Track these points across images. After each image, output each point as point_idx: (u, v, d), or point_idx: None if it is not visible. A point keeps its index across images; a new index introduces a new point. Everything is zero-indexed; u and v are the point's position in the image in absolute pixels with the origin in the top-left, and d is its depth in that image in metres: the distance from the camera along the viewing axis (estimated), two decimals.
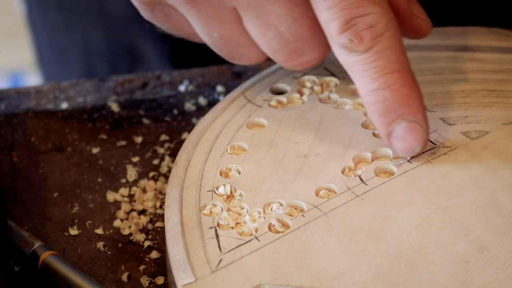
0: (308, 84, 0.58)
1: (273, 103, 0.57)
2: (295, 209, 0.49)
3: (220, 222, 0.48)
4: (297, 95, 0.57)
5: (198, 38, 0.55)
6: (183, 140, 0.60)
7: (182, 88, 0.66)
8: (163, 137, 0.62)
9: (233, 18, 0.52)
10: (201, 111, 0.64)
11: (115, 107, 0.64)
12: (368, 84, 0.49)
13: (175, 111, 0.64)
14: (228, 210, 0.49)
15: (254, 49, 0.54)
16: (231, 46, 0.54)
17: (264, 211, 0.48)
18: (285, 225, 0.48)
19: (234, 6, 0.51)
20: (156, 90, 0.66)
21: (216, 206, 0.49)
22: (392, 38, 0.49)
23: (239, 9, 0.52)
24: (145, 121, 0.63)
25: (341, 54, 0.49)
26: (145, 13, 0.56)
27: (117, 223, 0.55)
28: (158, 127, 0.62)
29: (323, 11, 0.49)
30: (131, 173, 0.58)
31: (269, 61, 0.68)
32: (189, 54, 0.84)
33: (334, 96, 0.57)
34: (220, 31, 0.53)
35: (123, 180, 0.58)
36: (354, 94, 0.57)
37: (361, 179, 0.50)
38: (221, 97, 0.65)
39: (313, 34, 0.51)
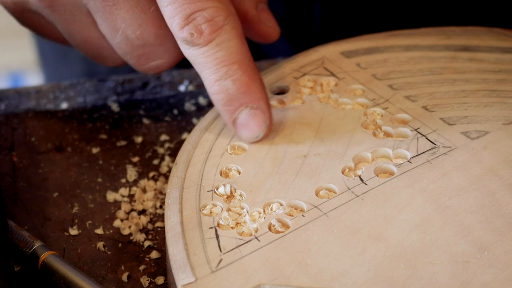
0: (308, 84, 0.58)
1: (273, 103, 0.57)
2: (295, 209, 0.49)
3: (220, 222, 0.48)
4: (297, 95, 0.57)
5: (70, 43, 0.59)
6: (183, 140, 0.60)
7: (182, 88, 0.66)
8: (163, 137, 0.62)
9: (90, 22, 0.56)
10: (201, 111, 0.64)
11: (115, 107, 0.64)
12: (211, 76, 0.51)
13: (175, 111, 0.64)
14: (228, 210, 0.49)
15: (114, 52, 0.57)
16: (93, 48, 0.58)
17: (264, 211, 0.48)
18: (285, 225, 0.48)
19: (88, 10, 0.55)
20: (156, 90, 0.66)
21: (216, 206, 0.49)
22: (232, 31, 0.51)
23: (92, 13, 0.55)
24: (145, 121, 0.63)
25: (185, 49, 0.51)
26: (18, 20, 0.59)
27: (117, 223, 0.55)
28: (158, 127, 0.62)
29: (165, 8, 0.51)
30: (131, 173, 0.58)
31: (269, 61, 0.68)
32: None
33: (334, 96, 0.57)
34: (81, 34, 0.57)
35: (123, 180, 0.58)
36: (354, 94, 0.57)
37: (361, 179, 0.50)
38: None
39: (159, 39, 0.55)
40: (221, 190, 0.50)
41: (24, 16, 0.58)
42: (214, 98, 0.52)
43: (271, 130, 0.54)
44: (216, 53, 0.51)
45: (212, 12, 0.50)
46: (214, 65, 0.51)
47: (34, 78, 1.92)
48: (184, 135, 0.62)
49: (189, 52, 0.51)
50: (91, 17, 0.55)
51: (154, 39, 0.55)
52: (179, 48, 0.53)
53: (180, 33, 0.50)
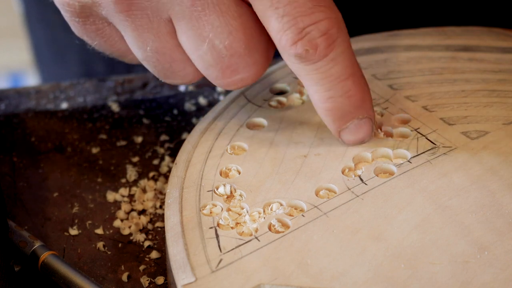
0: None
1: (273, 103, 0.57)
2: (295, 209, 0.49)
3: (220, 222, 0.48)
4: (297, 95, 0.57)
5: (131, 55, 0.54)
6: (183, 140, 0.60)
7: (182, 88, 0.66)
8: (163, 137, 0.62)
9: (167, 31, 0.50)
10: (201, 111, 0.64)
11: (115, 107, 0.64)
12: (324, 92, 0.49)
13: (175, 111, 0.64)
14: (228, 210, 0.49)
15: (188, 65, 0.52)
16: (165, 61, 0.52)
17: (264, 211, 0.48)
18: (285, 225, 0.48)
19: (169, 17, 0.50)
20: (156, 90, 0.66)
21: (216, 206, 0.49)
22: (344, 43, 0.48)
23: (174, 20, 0.50)
24: (145, 121, 0.63)
25: (293, 63, 0.48)
26: (75, 28, 0.53)
27: (117, 223, 0.55)
28: (158, 127, 0.62)
29: (273, 21, 0.47)
30: (131, 173, 0.58)
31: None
32: None
33: None
34: (154, 44, 0.51)
35: (123, 180, 0.58)
36: None
37: (361, 179, 0.50)
38: (221, 97, 0.65)
39: (249, 50, 0.50)
40: (221, 190, 0.50)
41: (88, 23, 0.52)
42: (324, 113, 0.50)
43: (271, 130, 0.54)
44: (331, 69, 0.48)
45: (327, 24, 0.47)
46: (329, 81, 0.48)
47: (34, 78, 1.92)
48: (184, 135, 0.62)
49: (298, 67, 0.48)
50: (171, 25, 0.50)
51: (244, 49, 0.49)
52: (267, 60, 0.51)
53: (293, 49, 0.47)
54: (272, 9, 0.47)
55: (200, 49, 0.50)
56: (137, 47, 0.52)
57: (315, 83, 0.49)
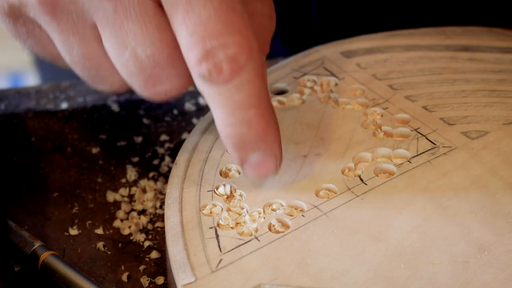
0: (308, 84, 0.58)
1: (273, 103, 0.57)
2: (295, 209, 0.48)
3: (220, 222, 0.48)
4: (297, 95, 0.57)
5: (62, 60, 0.53)
6: (183, 140, 0.60)
7: None
8: (163, 137, 0.62)
9: (93, 37, 0.50)
10: (201, 111, 0.64)
11: (115, 107, 0.64)
12: (225, 118, 0.47)
13: (175, 111, 0.64)
14: (228, 210, 0.49)
15: (114, 72, 0.51)
16: (91, 66, 0.51)
17: (264, 211, 0.48)
18: (285, 225, 0.48)
19: (94, 23, 0.49)
20: None
21: (216, 206, 0.49)
22: (253, 71, 0.46)
23: (98, 25, 0.49)
24: (145, 121, 0.63)
25: (199, 83, 0.47)
26: (7, 28, 0.53)
27: (117, 223, 0.55)
28: (158, 127, 0.62)
29: (183, 37, 0.46)
30: (131, 173, 0.58)
31: (268, 61, 0.68)
32: None
33: (334, 96, 0.57)
34: (80, 49, 0.50)
35: (123, 180, 0.58)
36: (354, 94, 0.57)
37: (361, 179, 0.50)
38: None
39: (172, 61, 0.49)
40: (221, 190, 0.50)
41: (18, 23, 0.52)
42: (225, 140, 0.48)
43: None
44: (233, 95, 0.46)
45: (234, 50, 0.45)
46: (231, 108, 0.47)
47: (34, 78, 1.91)
48: (184, 135, 0.62)
49: (204, 88, 0.47)
50: (96, 30, 0.50)
51: (167, 60, 0.48)
52: (191, 75, 0.49)
53: (197, 68, 0.46)
54: (183, 26, 0.46)
55: (123, 57, 0.49)
56: (64, 51, 0.51)
57: (217, 107, 0.47)
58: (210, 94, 0.47)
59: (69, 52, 0.51)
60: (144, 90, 0.50)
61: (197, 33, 0.46)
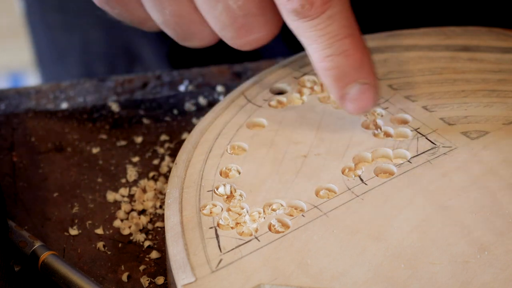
0: (308, 84, 0.58)
1: (273, 103, 0.57)
2: (295, 209, 0.49)
3: (220, 222, 0.48)
4: (297, 95, 0.57)
5: (150, 22, 0.55)
6: (183, 140, 0.60)
7: (182, 88, 0.66)
8: (163, 137, 0.62)
9: None
10: (201, 111, 0.64)
11: (115, 107, 0.64)
12: (322, 51, 0.49)
13: (175, 111, 0.64)
14: (228, 210, 0.49)
15: (205, 27, 0.53)
16: (183, 23, 0.53)
17: (264, 211, 0.48)
18: (285, 225, 0.48)
19: None
20: (156, 90, 0.66)
21: (216, 206, 0.49)
22: (343, 1, 0.48)
23: None
24: (145, 121, 0.63)
25: (292, 21, 0.48)
26: None
27: (117, 223, 0.55)
28: (158, 127, 0.62)
29: None
30: (131, 173, 0.58)
31: (268, 61, 0.68)
32: (186, 54, 0.84)
33: None
34: (171, 7, 0.52)
35: (123, 180, 0.58)
36: None
37: (361, 179, 0.50)
38: (221, 97, 0.65)
39: (262, 9, 0.51)
40: (221, 190, 0.50)
41: None
42: (323, 73, 0.49)
43: (271, 130, 0.54)
44: (328, 27, 0.48)
45: None
46: (327, 39, 0.48)
47: (33, 78, 1.92)
48: (184, 135, 0.62)
49: (296, 24, 0.48)
50: None
51: (257, 8, 0.50)
52: (280, 20, 0.51)
53: (289, 3, 0.47)
54: None
55: (215, 10, 0.51)
56: (156, 11, 0.53)
57: (313, 41, 0.49)
58: (304, 30, 0.48)
59: (160, 11, 0.53)
60: (236, 40, 0.52)
61: None
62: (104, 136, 0.62)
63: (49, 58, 0.99)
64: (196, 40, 0.55)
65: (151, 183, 0.57)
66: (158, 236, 0.54)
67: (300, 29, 0.49)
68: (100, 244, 0.53)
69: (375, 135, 0.53)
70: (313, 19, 0.48)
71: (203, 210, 0.49)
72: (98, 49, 0.90)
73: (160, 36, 0.84)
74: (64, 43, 0.93)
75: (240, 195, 0.50)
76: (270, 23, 0.51)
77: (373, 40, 0.62)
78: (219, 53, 0.69)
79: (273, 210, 0.48)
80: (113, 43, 0.89)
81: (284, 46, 0.79)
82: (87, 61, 0.92)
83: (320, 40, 0.48)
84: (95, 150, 0.60)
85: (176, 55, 0.86)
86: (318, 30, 0.48)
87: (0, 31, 1.98)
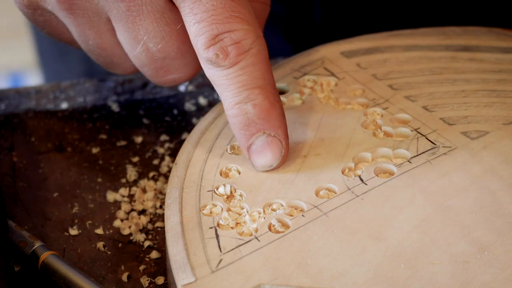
0: (308, 84, 0.58)
1: None
2: (295, 209, 0.48)
3: (220, 222, 0.48)
4: (297, 95, 0.57)
5: (77, 44, 0.57)
6: (183, 140, 0.60)
7: (182, 88, 0.66)
8: (163, 137, 0.62)
9: (107, 29, 0.54)
10: (201, 111, 0.64)
11: (115, 107, 0.64)
12: (232, 98, 0.50)
13: (175, 111, 0.64)
14: (228, 210, 0.49)
15: (127, 60, 0.56)
16: (106, 55, 0.56)
17: (264, 211, 0.48)
18: (285, 225, 0.48)
19: (109, 17, 0.53)
20: (156, 90, 0.66)
21: (216, 206, 0.49)
22: (258, 55, 0.50)
23: (112, 20, 0.53)
24: (145, 121, 0.63)
25: (207, 69, 0.50)
26: (26, 16, 0.57)
27: (117, 223, 0.55)
28: (158, 127, 0.62)
29: (191, 25, 0.50)
30: (131, 173, 0.58)
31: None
32: None
33: (334, 96, 0.57)
34: (95, 40, 0.55)
35: (123, 180, 0.58)
36: (354, 94, 0.57)
37: (361, 179, 0.50)
38: None
39: (181, 53, 0.53)
40: (221, 190, 0.50)
41: (36, 14, 0.56)
42: (231, 120, 0.51)
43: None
44: (239, 76, 0.49)
45: (240, 34, 0.49)
46: (236, 88, 0.50)
47: (34, 78, 1.92)
48: (184, 135, 0.62)
49: (211, 72, 0.50)
50: (110, 24, 0.54)
51: (176, 53, 0.53)
52: (198, 63, 0.53)
53: (205, 53, 0.49)
54: (191, 15, 0.49)
55: (135, 49, 0.53)
56: (81, 41, 0.56)
57: (223, 90, 0.50)
58: (217, 78, 0.50)
59: (84, 42, 0.56)
60: (155, 79, 0.55)
61: (204, 20, 0.49)
62: (104, 136, 0.62)
63: (51, 56, 0.99)
64: (119, 70, 0.58)
65: (151, 183, 0.57)
66: (158, 236, 0.54)
67: (214, 76, 0.50)
68: (100, 244, 0.53)
69: (375, 135, 0.53)
70: (226, 69, 0.49)
71: (203, 210, 0.49)
72: None
73: None
74: None
75: (240, 195, 0.50)
76: (189, 65, 0.54)
77: (373, 40, 0.62)
78: None
79: (273, 210, 0.48)
80: None
81: (286, 45, 0.79)
82: (90, 59, 0.92)
83: (230, 88, 0.50)
84: (95, 150, 0.60)
85: None
86: (230, 79, 0.50)
87: (0, 31, 1.98)
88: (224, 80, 0.50)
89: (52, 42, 0.96)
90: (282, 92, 0.58)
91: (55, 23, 0.56)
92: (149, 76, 0.55)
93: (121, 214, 0.55)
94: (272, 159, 0.51)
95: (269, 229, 0.47)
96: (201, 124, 0.55)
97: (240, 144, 0.51)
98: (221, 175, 0.51)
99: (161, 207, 0.56)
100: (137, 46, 0.53)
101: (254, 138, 0.50)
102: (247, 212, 0.48)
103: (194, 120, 0.63)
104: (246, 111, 0.50)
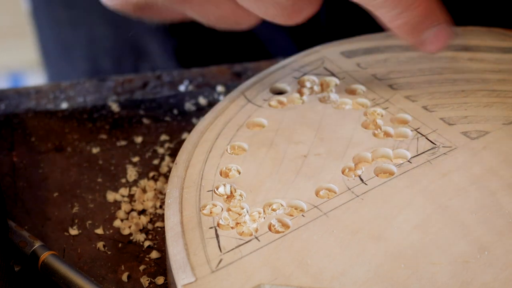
0: (308, 84, 0.58)
1: (273, 103, 0.57)
2: (295, 209, 0.48)
3: (220, 222, 0.48)
4: (297, 95, 0.57)
5: (180, 20, 0.57)
6: (183, 140, 0.60)
7: (182, 88, 0.66)
8: (163, 137, 0.62)
9: (227, 0, 0.54)
10: (201, 111, 0.64)
11: (115, 107, 0.64)
12: (391, 12, 0.51)
13: (175, 111, 0.64)
14: (228, 210, 0.49)
15: (252, 17, 0.55)
16: (229, 21, 0.56)
17: (264, 211, 0.48)
18: (285, 225, 0.48)
19: None
20: (156, 90, 0.66)
21: (216, 206, 0.49)
22: None
23: None
24: (145, 121, 0.63)
25: None
26: (123, 11, 0.57)
27: (117, 223, 0.55)
28: (158, 127, 0.62)
29: None
30: (131, 173, 0.58)
31: (269, 61, 0.68)
32: (194, 50, 0.84)
33: (334, 96, 0.57)
34: (216, 13, 0.55)
35: (123, 180, 0.58)
36: (354, 94, 0.57)
37: (361, 179, 0.50)
38: (221, 97, 0.65)
39: None
40: (221, 190, 0.50)
41: (144, 13, 0.57)
42: (397, 30, 0.52)
43: (271, 130, 0.54)
44: None
45: None
46: (392, 1, 0.51)
47: (34, 78, 1.92)
48: (184, 135, 0.62)
49: None
50: None
51: None
52: None
53: None
54: None
55: (263, 7, 0.53)
56: (201, 19, 0.56)
57: (379, 7, 0.51)
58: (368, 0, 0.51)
59: (205, 18, 0.56)
60: (289, 22, 0.54)
61: None
62: (104, 136, 0.62)
63: (55, 54, 0.99)
64: (244, 26, 0.57)
65: (151, 183, 0.57)
66: (158, 236, 0.54)
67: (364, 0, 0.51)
68: (100, 244, 0.53)
69: (375, 135, 0.53)
70: None
71: (203, 210, 0.49)
72: (104, 45, 0.90)
73: (167, 32, 0.84)
74: (70, 39, 0.93)
75: (240, 195, 0.50)
76: None
77: (373, 40, 0.62)
78: (227, 49, 0.69)
79: (273, 210, 0.48)
80: (119, 39, 0.89)
81: (292, 45, 0.79)
82: (93, 57, 0.92)
83: (386, 4, 0.51)
84: (95, 150, 0.60)
85: (184, 51, 0.86)
86: None
87: (1, 31, 1.98)
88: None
89: (56, 41, 0.96)
90: (282, 92, 0.58)
91: (164, 12, 0.57)
92: (282, 22, 0.55)
93: (121, 214, 0.55)
94: (445, 42, 0.53)
95: (269, 229, 0.47)
96: (201, 124, 0.55)
97: (411, 43, 0.53)
98: (221, 175, 0.51)
99: (161, 207, 0.56)
100: (263, 4, 0.52)
101: (425, 34, 0.52)
102: (247, 212, 0.48)
103: (194, 120, 0.63)
104: (409, 17, 0.51)
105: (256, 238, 0.47)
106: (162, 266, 0.52)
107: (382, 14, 0.52)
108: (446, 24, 0.53)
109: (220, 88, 0.65)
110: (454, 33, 0.54)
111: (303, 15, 0.54)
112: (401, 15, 0.51)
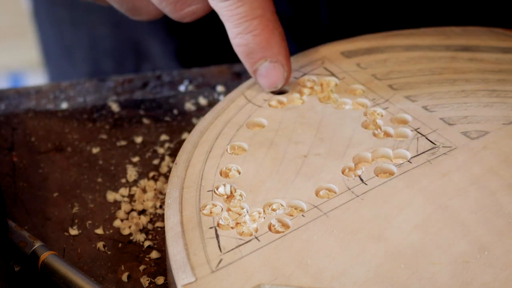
0: (308, 84, 0.58)
1: (273, 103, 0.57)
2: (295, 209, 0.48)
3: (220, 222, 0.48)
4: (297, 95, 0.57)
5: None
6: (183, 140, 0.60)
7: (182, 88, 0.66)
8: (163, 137, 0.62)
9: None
10: (201, 111, 0.64)
11: (115, 107, 0.64)
12: (233, 29, 0.54)
13: (175, 111, 0.64)
14: (228, 210, 0.49)
15: (149, 3, 0.58)
16: (129, 1, 0.59)
17: (264, 211, 0.48)
18: (285, 225, 0.48)
19: None
20: (156, 90, 0.66)
21: (216, 206, 0.49)
22: None
23: None
24: (145, 121, 0.63)
25: (211, 1, 0.54)
26: None
27: (117, 223, 0.55)
28: (158, 127, 0.63)
29: None
30: (131, 173, 0.58)
31: None
32: (194, 51, 0.84)
33: (334, 96, 0.57)
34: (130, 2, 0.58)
35: (123, 180, 0.58)
36: (354, 94, 0.57)
37: (361, 179, 0.50)
38: (221, 97, 0.65)
39: None
40: (221, 190, 0.50)
41: None
42: (236, 49, 0.55)
43: (271, 130, 0.54)
44: (238, 8, 0.53)
45: None
46: (236, 19, 0.53)
47: (34, 78, 1.92)
48: (184, 135, 0.62)
49: (214, 4, 0.54)
50: None
51: None
52: None
53: None
54: None
55: None
56: (115, 3, 0.59)
57: (226, 20, 0.54)
58: (219, 9, 0.54)
59: (118, 3, 0.59)
60: (175, 13, 0.57)
61: None
62: (104, 136, 0.62)
63: (56, 54, 0.99)
64: (143, 15, 0.60)
65: (151, 183, 0.57)
66: (158, 236, 0.54)
67: (216, 8, 0.54)
68: (100, 244, 0.53)
69: (375, 135, 0.53)
70: (225, 1, 0.53)
71: (203, 210, 0.49)
72: (106, 45, 0.91)
73: (168, 33, 0.84)
74: (72, 39, 0.93)
75: (240, 195, 0.50)
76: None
77: (373, 40, 0.62)
78: (227, 49, 0.70)
79: (273, 210, 0.48)
80: (121, 39, 0.90)
81: (293, 45, 0.79)
82: (95, 57, 0.93)
83: (231, 20, 0.54)
84: (95, 150, 0.60)
85: (185, 51, 0.86)
86: (229, 10, 0.53)
87: (1, 31, 1.98)
88: (225, 12, 0.53)
89: (57, 41, 0.96)
90: (282, 92, 0.58)
91: None
92: (169, 12, 0.57)
93: (121, 214, 0.55)
94: (276, 81, 0.56)
95: (269, 229, 0.47)
96: (201, 124, 0.55)
97: (247, 68, 0.56)
98: (221, 175, 0.51)
99: (161, 207, 0.56)
100: None
101: (258, 64, 0.55)
102: (247, 212, 0.48)
103: (194, 120, 0.63)
104: (247, 41, 0.54)
105: (256, 238, 0.47)
106: (162, 266, 0.52)
107: (227, 27, 0.54)
108: (283, 65, 0.55)
109: (220, 88, 0.65)
110: (287, 81, 0.56)
111: (189, 10, 0.57)
112: (241, 35, 0.54)
